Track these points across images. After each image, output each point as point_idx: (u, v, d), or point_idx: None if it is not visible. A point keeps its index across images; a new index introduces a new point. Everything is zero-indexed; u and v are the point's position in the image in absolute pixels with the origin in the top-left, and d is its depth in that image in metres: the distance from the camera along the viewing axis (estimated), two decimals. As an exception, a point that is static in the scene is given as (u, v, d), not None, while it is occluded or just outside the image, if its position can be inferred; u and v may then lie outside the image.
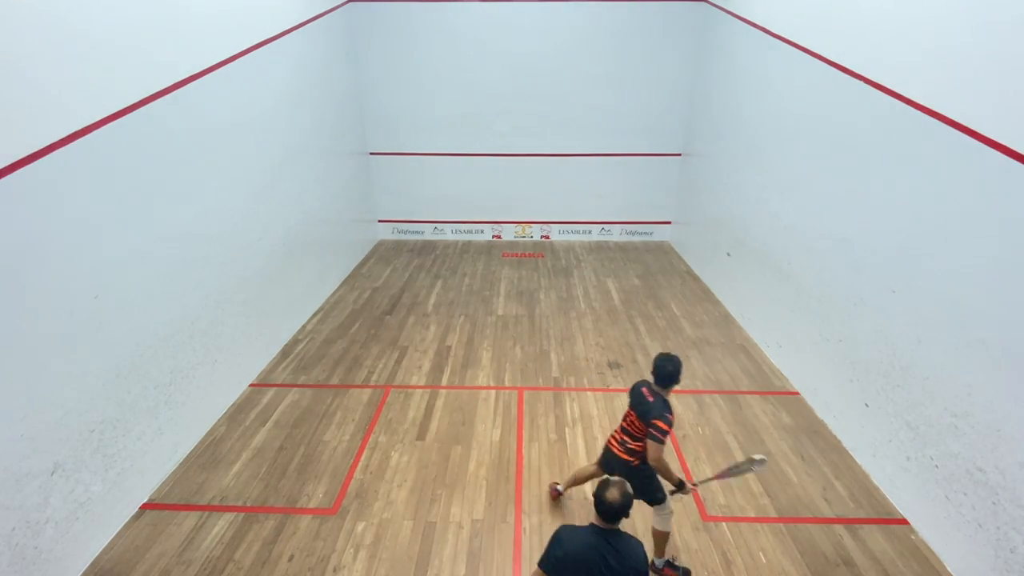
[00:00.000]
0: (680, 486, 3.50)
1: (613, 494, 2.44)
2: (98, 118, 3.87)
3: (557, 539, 2.51)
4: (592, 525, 2.51)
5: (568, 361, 6.55)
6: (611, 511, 2.43)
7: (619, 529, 2.50)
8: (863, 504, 4.41)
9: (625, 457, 3.58)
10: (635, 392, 3.57)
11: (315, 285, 7.96)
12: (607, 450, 3.74)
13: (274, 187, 6.56)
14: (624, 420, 3.65)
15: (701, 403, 5.72)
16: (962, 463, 3.77)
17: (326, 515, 4.27)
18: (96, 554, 3.91)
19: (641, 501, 3.45)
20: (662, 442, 3.33)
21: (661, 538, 3.69)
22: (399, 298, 8.35)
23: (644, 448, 3.46)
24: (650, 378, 3.55)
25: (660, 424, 3.30)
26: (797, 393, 5.88)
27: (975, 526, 3.65)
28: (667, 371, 3.42)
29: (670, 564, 3.77)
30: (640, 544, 2.50)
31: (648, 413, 3.37)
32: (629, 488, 2.49)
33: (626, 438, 3.59)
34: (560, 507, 4.35)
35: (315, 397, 5.80)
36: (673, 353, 3.52)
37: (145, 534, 4.09)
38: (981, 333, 3.63)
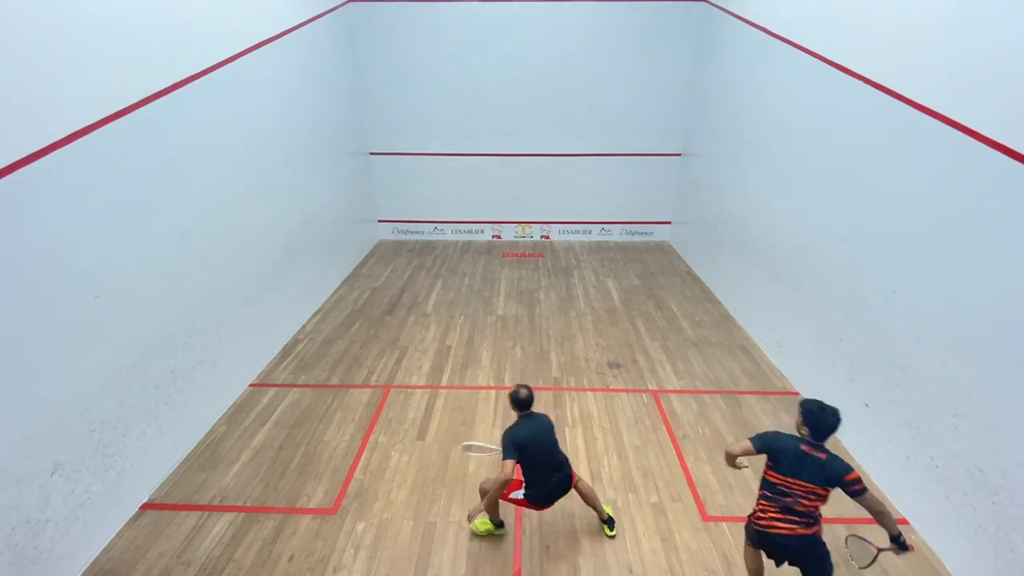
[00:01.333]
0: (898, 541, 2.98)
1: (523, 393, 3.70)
2: (98, 118, 3.87)
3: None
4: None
5: (568, 361, 6.55)
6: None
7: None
8: (863, 504, 4.40)
9: (811, 532, 3.01)
10: (795, 455, 3.01)
11: (315, 285, 7.97)
12: (772, 536, 3.06)
13: (274, 187, 6.56)
14: (789, 496, 3.03)
15: (701, 403, 5.72)
16: (962, 463, 3.77)
17: (326, 515, 4.27)
18: (96, 554, 3.91)
19: None
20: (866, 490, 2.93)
21: None
22: (399, 298, 8.35)
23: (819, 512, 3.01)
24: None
25: (854, 475, 2.93)
26: (797, 393, 5.88)
27: (975, 526, 3.65)
28: (829, 424, 3.02)
29: None
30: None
31: (837, 471, 2.95)
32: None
33: (809, 508, 2.99)
34: (561, 508, 4.35)
35: (315, 397, 5.80)
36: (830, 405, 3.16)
37: (145, 534, 4.09)
38: (981, 333, 3.63)
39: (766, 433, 3.27)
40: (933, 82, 4.12)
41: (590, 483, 4.54)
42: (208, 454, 4.94)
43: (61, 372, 3.62)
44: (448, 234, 11.24)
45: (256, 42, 6.05)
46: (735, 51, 7.90)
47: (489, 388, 5.99)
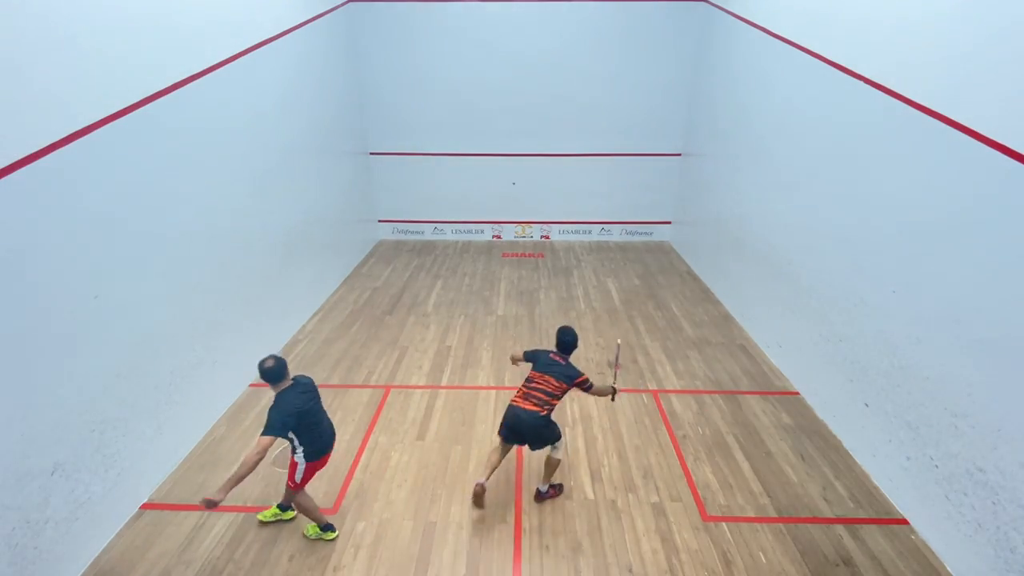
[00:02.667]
0: (614, 392, 4.42)
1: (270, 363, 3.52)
2: (98, 118, 3.87)
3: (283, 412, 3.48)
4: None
5: (568, 361, 6.54)
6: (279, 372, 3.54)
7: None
8: (863, 504, 4.41)
9: (544, 412, 4.12)
10: (544, 361, 4.29)
11: (315, 285, 7.96)
12: (516, 414, 4.14)
13: (274, 187, 6.56)
14: (531, 386, 4.21)
15: (701, 403, 5.72)
16: (962, 463, 3.77)
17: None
18: (96, 554, 3.91)
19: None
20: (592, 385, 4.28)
21: (555, 466, 4.34)
22: (399, 298, 8.35)
23: (557, 402, 4.18)
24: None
25: (583, 377, 4.21)
26: (797, 393, 5.88)
27: (975, 526, 3.65)
28: (568, 342, 4.32)
29: (553, 485, 4.45)
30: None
31: (570, 374, 4.19)
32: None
33: (545, 397, 4.14)
34: (561, 508, 4.35)
35: (315, 397, 5.79)
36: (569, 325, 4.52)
37: (145, 534, 4.09)
38: (981, 333, 3.63)
39: (535, 349, 4.69)
40: (933, 82, 4.12)
41: (591, 484, 4.55)
42: (208, 454, 4.93)
43: (61, 372, 3.62)
44: (448, 234, 11.24)
45: (256, 42, 6.04)
46: (735, 51, 7.90)
47: (489, 388, 5.99)
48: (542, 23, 9.49)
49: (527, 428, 4.09)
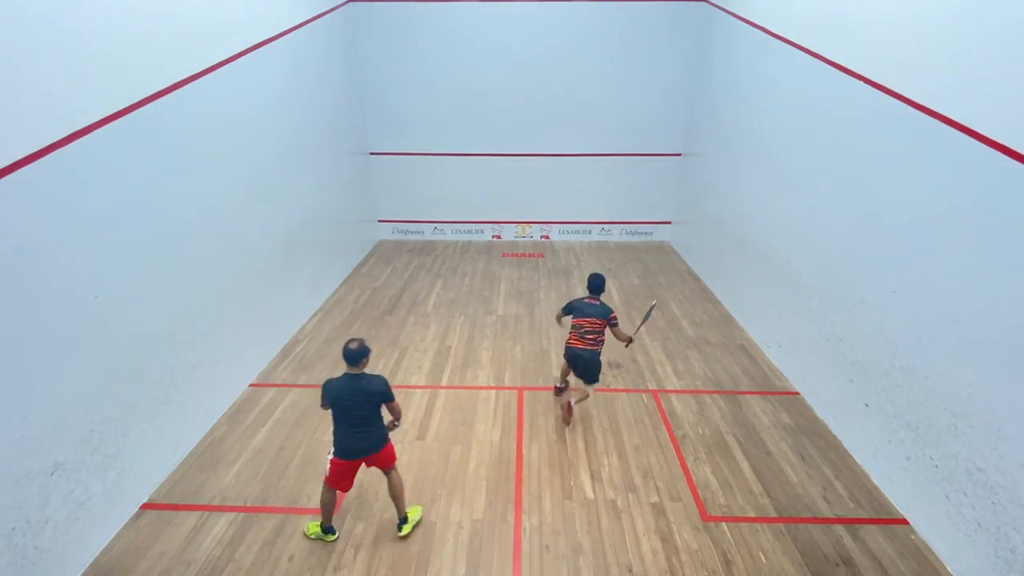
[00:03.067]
0: (630, 340, 5.09)
1: (353, 346, 3.62)
2: (98, 118, 3.87)
3: (324, 387, 3.71)
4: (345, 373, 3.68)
5: (568, 361, 6.55)
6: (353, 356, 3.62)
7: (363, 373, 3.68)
8: (863, 504, 4.41)
9: (598, 348, 5.06)
10: (581, 306, 5.12)
11: (315, 285, 7.96)
12: (576, 353, 5.06)
13: (274, 187, 6.56)
14: (582, 331, 5.07)
15: (701, 403, 5.72)
16: (962, 463, 3.77)
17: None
18: (96, 554, 3.91)
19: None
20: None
21: (586, 398, 5.27)
22: (399, 298, 8.35)
23: (603, 338, 5.08)
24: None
25: (614, 315, 5.09)
26: (797, 393, 5.88)
27: (975, 526, 3.65)
28: (597, 284, 5.19)
29: (578, 401, 5.24)
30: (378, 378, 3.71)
31: (604, 311, 5.05)
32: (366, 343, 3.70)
33: (594, 336, 5.03)
34: (560, 508, 4.35)
35: (315, 397, 5.76)
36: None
37: (145, 534, 4.09)
38: (981, 333, 3.63)
39: (569, 301, 5.45)
40: (933, 82, 4.12)
41: (590, 484, 4.55)
42: (208, 454, 4.93)
43: (61, 372, 3.62)
44: (448, 234, 11.24)
45: (256, 42, 6.04)
46: (735, 51, 7.90)
47: (489, 388, 5.99)
48: (542, 23, 9.49)
49: (585, 363, 5.03)
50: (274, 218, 6.57)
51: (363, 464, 3.86)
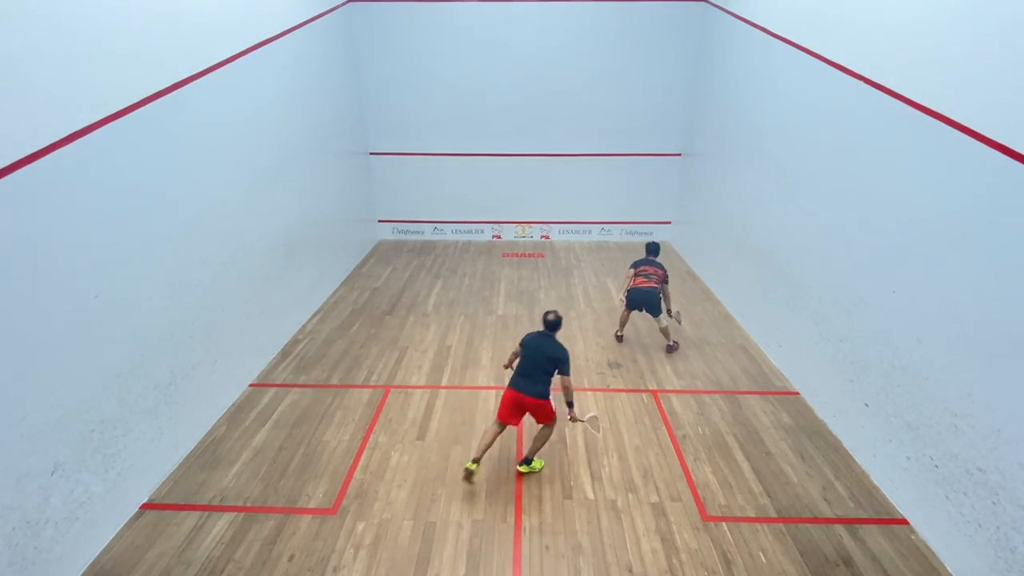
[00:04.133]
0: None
1: (550, 317, 4.48)
2: (98, 118, 3.87)
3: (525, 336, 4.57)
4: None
5: (568, 361, 6.55)
6: (551, 325, 4.47)
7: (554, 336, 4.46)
8: (863, 504, 4.41)
9: (657, 286, 6.49)
10: (644, 261, 6.77)
11: (315, 285, 7.96)
12: (641, 290, 6.48)
13: (274, 187, 6.56)
14: (646, 272, 6.60)
15: (701, 403, 5.72)
16: (962, 463, 3.77)
17: (326, 515, 4.27)
18: (96, 554, 3.91)
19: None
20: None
21: (670, 329, 6.70)
22: (399, 298, 8.35)
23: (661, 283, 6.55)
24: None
25: (663, 270, 6.65)
26: (797, 393, 5.88)
27: (975, 526, 3.65)
28: (654, 248, 6.97)
29: (675, 341, 6.78)
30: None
31: (664, 268, 6.67)
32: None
33: (655, 277, 6.54)
34: (560, 508, 4.35)
35: (315, 397, 5.80)
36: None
37: (145, 534, 4.09)
38: (981, 333, 3.63)
39: (633, 263, 6.88)
40: (933, 82, 4.12)
41: (591, 484, 4.55)
42: (208, 454, 4.94)
43: (61, 372, 3.62)
44: (448, 234, 11.24)
45: (256, 42, 6.04)
46: (735, 51, 7.90)
47: (489, 388, 5.99)
48: (542, 23, 9.49)
49: (648, 298, 6.39)
50: (274, 218, 6.57)
51: (527, 412, 4.47)
